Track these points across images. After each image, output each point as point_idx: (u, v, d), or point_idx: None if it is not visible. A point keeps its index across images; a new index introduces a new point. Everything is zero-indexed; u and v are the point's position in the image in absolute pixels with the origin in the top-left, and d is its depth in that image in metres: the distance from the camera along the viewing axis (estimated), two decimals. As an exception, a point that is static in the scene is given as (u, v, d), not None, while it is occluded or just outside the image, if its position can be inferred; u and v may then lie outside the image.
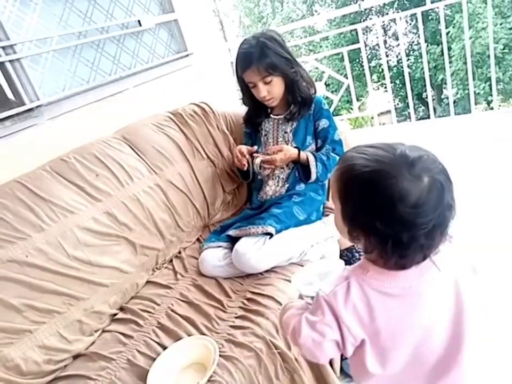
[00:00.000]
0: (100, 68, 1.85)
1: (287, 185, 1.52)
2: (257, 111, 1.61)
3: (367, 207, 0.63)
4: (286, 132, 1.56)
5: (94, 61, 1.83)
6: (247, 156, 1.53)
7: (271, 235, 1.31)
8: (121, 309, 1.34)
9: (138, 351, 1.12)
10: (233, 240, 1.37)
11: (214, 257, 1.37)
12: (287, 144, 1.53)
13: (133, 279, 1.40)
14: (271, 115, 1.60)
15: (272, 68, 1.41)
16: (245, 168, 1.53)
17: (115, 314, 1.32)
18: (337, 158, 1.51)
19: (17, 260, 1.15)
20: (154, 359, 1.05)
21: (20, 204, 1.25)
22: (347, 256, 1.45)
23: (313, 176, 1.47)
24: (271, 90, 1.46)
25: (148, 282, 1.45)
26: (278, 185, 1.54)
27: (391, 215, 0.60)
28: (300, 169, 1.51)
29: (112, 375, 1.06)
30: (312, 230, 1.39)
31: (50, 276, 1.19)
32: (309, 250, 1.34)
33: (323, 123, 1.53)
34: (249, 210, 1.57)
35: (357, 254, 1.44)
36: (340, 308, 0.67)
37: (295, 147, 1.51)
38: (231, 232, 1.39)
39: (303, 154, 1.48)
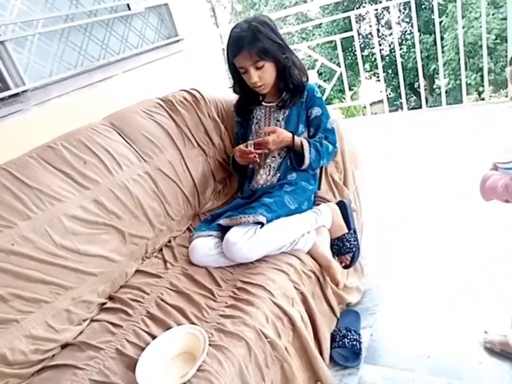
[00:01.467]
0: (87, 53, 1.81)
1: (278, 175, 1.51)
2: (248, 99, 1.58)
3: None
4: (278, 120, 1.54)
5: (81, 45, 1.79)
6: (251, 149, 1.45)
7: (262, 224, 1.30)
8: (110, 298, 1.33)
9: (127, 341, 1.11)
10: (224, 230, 1.36)
11: (205, 246, 1.35)
12: None
13: (122, 268, 1.38)
14: (263, 103, 1.57)
15: (264, 53, 1.38)
16: (258, 160, 1.46)
17: (104, 304, 1.31)
18: (330, 146, 1.50)
19: (2, 249, 1.12)
20: (143, 349, 1.04)
21: (5, 192, 1.22)
22: (338, 245, 1.45)
23: (307, 161, 1.45)
24: (263, 76, 1.43)
25: (137, 271, 1.43)
26: (269, 174, 1.52)
27: None
28: (293, 155, 1.49)
29: (101, 365, 1.05)
30: (303, 219, 1.38)
31: (37, 265, 1.16)
32: (300, 239, 1.34)
33: (316, 111, 1.52)
34: (240, 199, 1.55)
35: (347, 243, 1.44)
36: None
37: (289, 131, 1.49)
38: (222, 221, 1.38)
39: (297, 139, 1.46)
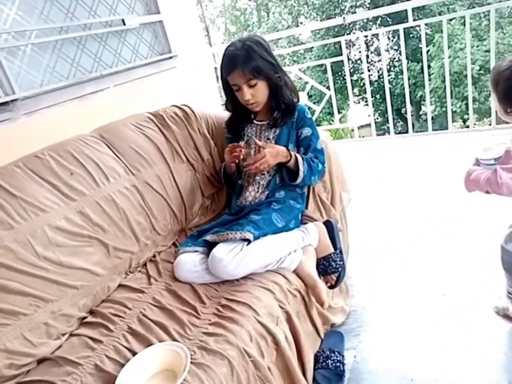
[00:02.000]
0: (80, 65, 1.82)
1: (267, 192, 1.51)
2: (240, 116, 1.60)
3: None
4: (268, 138, 1.55)
5: (74, 57, 1.80)
6: (241, 150, 1.45)
7: (248, 241, 1.29)
8: (91, 312, 1.30)
9: (107, 357, 1.08)
10: (210, 246, 1.35)
11: (190, 262, 1.34)
12: None
13: (105, 282, 1.35)
14: (254, 121, 1.59)
15: (257, 71, 1.41)
16: (241, 157, 1.45)
17: (84, 318, 1.27)
18: (320, 164, 1.51)
19: (-18, 258, 1.10)
20: (123, 365, 1.02)
21: (-12, 200, 1.20)
22: (323, 265, 1.45)
23: (301, 175, 1.45)
24: (255, 94, 1.45)
25: (120, 285, 1.41)
26: (258, 191, 1.52)
27: None
28: (285, 170, 1.50)
29: (78, 381, 1.01)
30: (290, 237, 1.38)
31: (18, 276, 1.14)
32: (286, 258, 1.33)
33: (306, 131, 1.53)
34: (228, 215, 1.55)
35: (333, 263, 1.44)
36: None
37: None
38: (208, 237, 1.37)
39: (292, 152, 1.47)
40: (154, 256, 1.54)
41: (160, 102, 1.91)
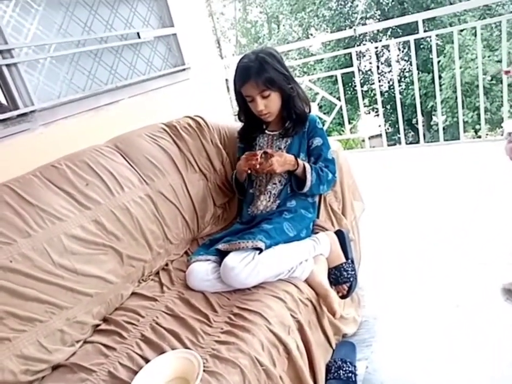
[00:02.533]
0: (96, 77, 1.86)
1: (278, 201, 1.53)
2: (252, 127, 1.63)
3: None
4: (280, 148, 1.57)
5: (91, 69, 1.84)
6: (257, 159, 1.46)
7: (260, 250, 1.30)
8: (105, 320, 1.31)
9: (120, 364, 1.09)
10: (222, 254, 1.36)
11: (202, 270, 1.35)
12: None
13: (118, 289, 1.37)
14: (266, 131, 1.62)
15: (270, 83, 1.43)
16: (257, 166, 1.44)
17: (98, 325, 1.29)
18: (330, 174, 1.52)
19: (0, 265, 1.12)
20: (136, 372, 1.03)
21: (7, 208, 1.23)
22: (335, 275, 1.45)
23: (308, 184, 1.47)
24: (268, 104, 1.48)
25: (132, 293, 1.42)
26: (269, 201, 1.54)
27: None
28: (293, 178, 1.52)
29: (92, 388, 1.03)
30: (301, 247, 1.39)
31: (34, 283, 1.16)
32: (298, 267, 1.34)
33: (317, 141, 1.55)
34: (239, 224, 1.56)
35: (345, 273, 1.44)
36: None
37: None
38: (220, 246, 1.38)
39: (300, 161, 1.49)
40: (166, 264, 1.56)
41: (173, 113, 1.94)
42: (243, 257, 1.28)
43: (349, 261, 1.48)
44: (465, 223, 2.14)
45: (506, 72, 1.67)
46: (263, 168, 1.44)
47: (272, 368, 1.07)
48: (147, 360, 1.08)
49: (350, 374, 1.34)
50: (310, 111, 1.57)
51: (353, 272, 1.46)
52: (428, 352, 1.42)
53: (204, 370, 0.98)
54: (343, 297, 1.48)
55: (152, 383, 1.00)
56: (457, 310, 1.58)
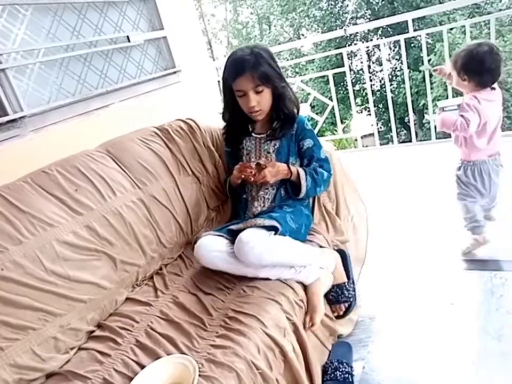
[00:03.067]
0: (86, 81, 1.85)
1: (273, 206, 1.51)
2: (237, 128, 1.59)
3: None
4: (268, 152, 1.54)
5: (80, 74, 1.83)
6: (252, 172, 1.44)
7: (275, 231, 1.30)
8: (99, 326, 1.30)
9: (115, 370, 1.08)
10: (234, 237, 1.33)
11: (214, 242, 1.33)
12: None
13: (112, 295, 1.36)
14: (253, 134, 1.58)
15: (265, 78, 1.40)
16: (251, 178, 1.43)
17: (92, 332, 1.28)
18: (325, 173, 1.51)
19: (-8, 273, 1.11)
20: (131, 379, 1.02)
21: (-2, 216, 1.22)
22: (336, 293, 1.44)
23: (303, 190, 1.46)
24: (261, 101, 1.44)
25: (127, 299, 1.41)
26: (264, 206, 1.52)
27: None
28: (289, 184, 1.50)
29: (87, 395, 1.02)
30: (311, 249, 1.40)
31: (26, 291, 1.15)
32: (303, 270, 1.33)
33: (307, 143, 1.53)
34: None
35: (346, 292, 1.44)
36: (476, 105, 1.58)
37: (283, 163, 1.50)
38: (234, 226, 1.37)
39: (293, 168, 1.48)
40: (160, 269, 1.55)
41: (165, 116, 1.93)
42: (260, 233, 1.28)
43: (350, 280, 1.48)
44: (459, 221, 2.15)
45: (435, 71, 1.88)
46: (256, 180, 1.43)
47: (268, 371, 1.07)
48: (142, 366, 1.07)
49: (347, 375, 1.34)
50: (298, 112, 1.55)
51: (353, 293, 1.46)
52: (424, 351, 1.42)
53: (199, 375, 0.98)
54: (338, 317, 1.47)
55: (147, 390, 0.99)
56: (452, 308, 1.58)
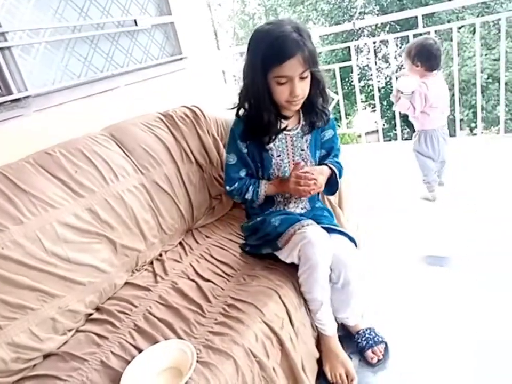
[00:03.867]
0: (92, 64, 1.83)
1: (308, 206, 1.47)
2: (264, 124, 1.29)
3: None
4: (303, 150, 1.36)
5: (86, 56, 1.80)
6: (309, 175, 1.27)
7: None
8: (97, 309, 1.30)
9: (113, 353, 1.08)
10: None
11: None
12: (306, 164, 1.37)
13: (112, 279, 1.36)
14: (284, 131, 1.34)
15: (313, 60, 1.17)
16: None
17: (90, 314, 1.28)
18: (341, 164, 1.43)
19: (-8, 252, 1.10)
20: (129, 362, 1.02)
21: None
22: (365, 337, 1.41)
23: (340, 186, 1.40)
24: (304, 88, 1.22)
25: (126, 283, 1.41)
26: (298, 207, 1.45)
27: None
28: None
29: (84, 377, 1.02)
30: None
31: (26, 271, 1.14)
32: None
33: (329, 133, 1.42)
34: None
35: (373, 333, 1.41)
36: (425, 92, 2.15)
37: (314, 165, 1.39)
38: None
39: (330, 166, 1.38)
40: (160, 255, 1.55)
41: (170, 103, 1.92)
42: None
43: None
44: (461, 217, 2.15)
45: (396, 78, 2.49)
46: (315, 192, 1.30)
47: (265, 359, 1.07)
48: (140, 350, 1.07)
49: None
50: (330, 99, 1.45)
51: (381, 335, 1.42)
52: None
53: (197, 361, 0.98)
54: (379, 361, 1.36)
55: (144, 373, 0.99)
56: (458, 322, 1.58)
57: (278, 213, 1.36)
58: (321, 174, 1.31)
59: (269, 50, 1.14)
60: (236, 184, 1.40)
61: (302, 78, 1.19)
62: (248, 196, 1.38)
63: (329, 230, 1.29)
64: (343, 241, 1.30)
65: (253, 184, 1.38)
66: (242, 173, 1.41)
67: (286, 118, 1.32)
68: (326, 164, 1.39)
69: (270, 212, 1.42)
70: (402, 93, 2.22)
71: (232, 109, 1.38)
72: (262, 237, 1.34)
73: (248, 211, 1.53)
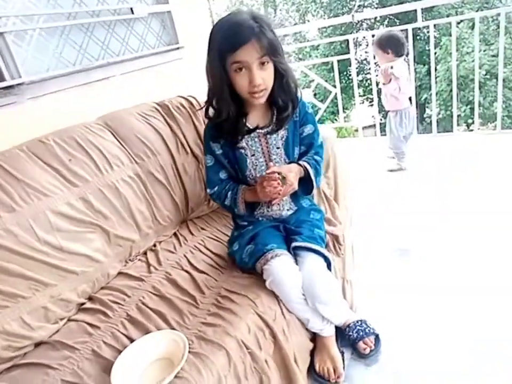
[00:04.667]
0: (87, 52, 1.80)
1: (294, 206, 1.40)
2: (233, 122, 1.24)
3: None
4: (278, 147, 1.29)
5: (82, 44, 1.78)
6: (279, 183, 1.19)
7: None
8: (90, 298, 1.30)
9: (104, 343, 1.08)
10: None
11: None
12: (282, 162, 1.32)
13: (105, 268, 1.36)
14: (257, 130, 1.27)
15: (272, 48, 1.12)
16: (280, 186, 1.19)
17: (83, 304, 1.28)
18: (322, 160, 1.36)
19: (-16, 240, 1.09)
20: (120, 352, 1.02)
21: (-8, 182, 1.19)
22: (357, 329, 1.41)
23: (315, 185, 1.31)
24: (265, 78, 1.16)
25: (119, 273, 1.41)
26: (283, 209, 1.38)
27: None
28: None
29: (75, 365, 1.02)
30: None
31: (18, 259, 1.14)
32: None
33: (308, 129, 1.33)
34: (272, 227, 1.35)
35: (365, 325, 1.42)
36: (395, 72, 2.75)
37: (289, 162, 1.32)
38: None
39: (301, 162, 1.30)
40: (154, 245, 1.54)
41: (166, 92, 1.90)
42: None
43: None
44: (460, 212, 2.15)
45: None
46: (285, 192, 1.22)
47: (258, 351, 1.07)
48: (132, 340, 1.07)
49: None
50: (300, 94, 1.30)
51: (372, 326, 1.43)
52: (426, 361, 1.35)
53: (189, 352, 0.98)
54: (371, 351, 1.37)
55: (136, 364, 0.99)
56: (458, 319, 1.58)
57: (252, 233, 1.32)
58: (290, 171, 1.22)
59: (224, 38, 1.12)
60: (216, 188, 1.35)
61: (261, 67, 1.14)
62: (227, 202, 1.33)
63: (303, 248, 1.26)
64: (314, 265, 1.24)
65: (232, 190, 1.32)
66: (222, 175, 1.35)
67: (247, 114, 1.26)
68: (297, 162, 1.31)
69: (246, 224, 1.38)
70: (395, 76, 2.70)
71: (200, 109, 1.35)
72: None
73: (233, 213, 1.44)
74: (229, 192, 1.32)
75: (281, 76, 1.20)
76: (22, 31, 1.55)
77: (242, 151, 1.29)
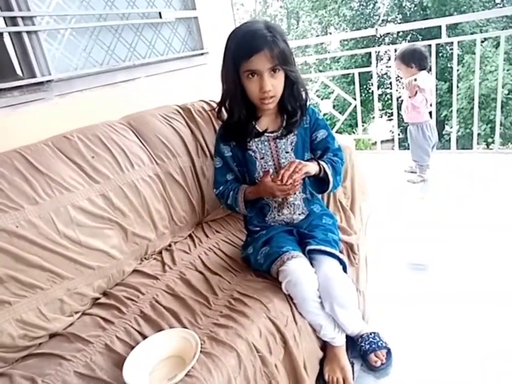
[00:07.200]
0: (115, 53, 1.85)
1: (306, 212, 1.40)
2: (244, 126, 1.29)
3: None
4: (287, 152, 1.32)
5: (110, 45, 1.83)
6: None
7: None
8: (105, 294, 1.32)
9: (117, 338, 1.09)
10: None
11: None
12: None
13: (120, 265, 1.37)
14: (266, 134, 1.31)
15: (284, 58, 1.17)
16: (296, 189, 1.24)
17: (98, 298, 1.30)
18: (340, 161, 1.36)
19: (6, 230, 1.12)
20: (133, 347, 1.03)
21: (17, 174, 1.23)
22: (369, 341, 1.40)
23: (331, 180, 1.31)
24: (276, 86, 1.21)
25: (134, 271, 1.43)
26: (294, 213, 1.38)
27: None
28: (312, 183, 1.37)
29: (88, 358, 1.03)
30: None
31: (38, 250, 1.16)
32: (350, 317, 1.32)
33: (321, 134, 1.35)
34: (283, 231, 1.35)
35: (377, 338, 1.41)
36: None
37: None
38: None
39: (318, 162, 1.31)
40: (170, 245, 1.56)
41: (188, 96, 1.93)
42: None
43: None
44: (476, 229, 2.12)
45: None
46: (295, 190, 1.24)
47: (268, 355, 1.07)
48: (144, 337, 1.08)
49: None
50: (309, 100, 1.33)
51: (384, 340, 1.42)
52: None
53: (200, 351, 0.98)
54: (382, 365, 1.37)
55: (148, 360, 1.00)
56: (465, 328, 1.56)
57: (266, 237, 1.33)
58: (299, 164, 1.23)
59: (238, 46, 1.18)
60: (221, 188, 1.38)
61: (272, 74, 1.19)
62: (229, 201, 1.35)
63: (318, 251, 1.26)
64: (331, 267, 1.24)
65: (233, 190, 1.34)
66: (229, 177, 1.38)
67: (258, 118, 1.31)
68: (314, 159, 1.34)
69: (259, 229, 1.39)
70: (420, 88, 2.69)
71: (214, 109, 1.40)
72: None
73: (245, 220, 1.47)
74: (231, 192, 1.35)
75: (291, 83, 1.26)
76: (55, 30, 1.60)
77: (252, 153, 1.32)
